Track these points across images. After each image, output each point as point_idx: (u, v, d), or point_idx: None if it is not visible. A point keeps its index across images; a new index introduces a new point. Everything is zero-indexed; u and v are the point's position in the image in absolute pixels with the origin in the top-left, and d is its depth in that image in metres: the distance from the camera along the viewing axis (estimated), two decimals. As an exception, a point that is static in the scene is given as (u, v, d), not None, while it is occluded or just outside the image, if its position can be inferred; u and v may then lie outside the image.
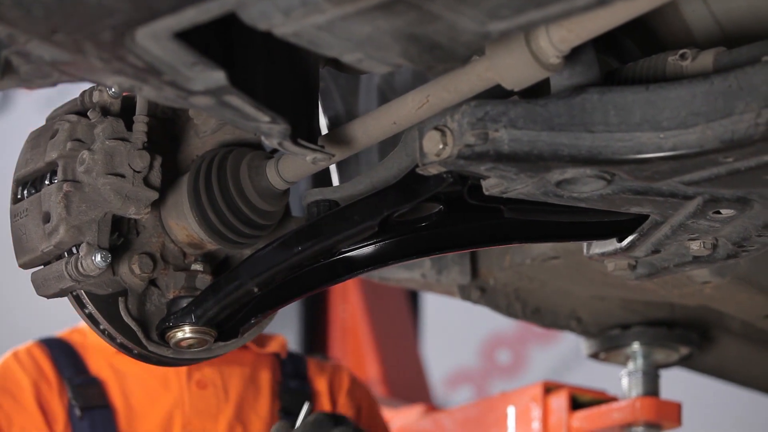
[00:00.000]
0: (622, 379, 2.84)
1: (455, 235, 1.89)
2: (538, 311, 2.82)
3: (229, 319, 1.95)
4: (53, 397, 2.60)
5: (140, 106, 1.93)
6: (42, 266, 1.92)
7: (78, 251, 1.86)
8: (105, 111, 1.92)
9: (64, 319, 2.60)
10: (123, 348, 2.01)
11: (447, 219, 1.86)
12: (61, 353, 2.68)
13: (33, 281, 1.93)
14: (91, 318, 1.98)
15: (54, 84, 1.49)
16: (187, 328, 1.94)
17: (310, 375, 2.86)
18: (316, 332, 4.27)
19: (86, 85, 1.94)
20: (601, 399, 2.86)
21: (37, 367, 2.64)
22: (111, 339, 2.00)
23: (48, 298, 1.95)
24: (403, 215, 1.86)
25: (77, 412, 2.56)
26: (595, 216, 1.81)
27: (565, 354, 5.55)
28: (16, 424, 2.55)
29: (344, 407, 2.75)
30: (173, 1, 1.29)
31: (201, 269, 2.01)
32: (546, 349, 5.75)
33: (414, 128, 1.67)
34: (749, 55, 1.54)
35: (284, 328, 3.83)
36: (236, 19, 1.32)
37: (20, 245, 1.91)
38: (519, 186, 1.63)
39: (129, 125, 1.92)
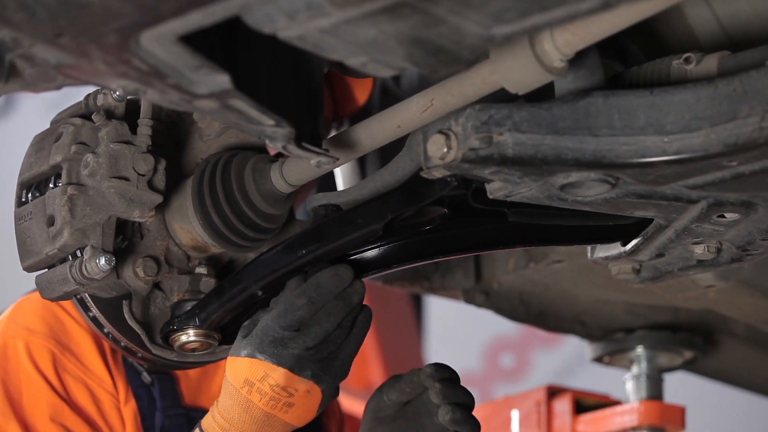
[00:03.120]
0: (626, 383, 2.84)
1: (459, 239, 1.88)
2: (542, 315, 2.82)
3: (234, 323, 1.95)
4: (110, 356, 2.16)
5: (144, 110, 1.93)
6: (46, 269, 1.92)
7: (82, 254, 1.86)
8: (109, 114, 1.92)
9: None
10: (127, 351, 2.01)
11: (451, 222, 1.86)
12: None
13: (37, 284, 1.93)
14: (95, 321, 1.98)
15: (59, 87, 1.49)
16: (191, 332, 1.94)
17: None
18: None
19: (90, 89, 1.94)
20: (605, 403, 2.86)
21: None
22: (115, 342, 2.00)
23: (52, 301, 1.95)
24: (408, 219, 1.86)
25: (145, 377, 2.17)
26: (600, 220, 1.81)
27: (569, 358, 5.54)
28: (81, 390, 2.12)
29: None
30: (178, 4, 1.29)
31: (205, 272, 2.01)
32: (550, 353, 5.74)
33: (418, 132, 1.67)
34: (753, 59, 1.54)
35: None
36: (240, 22, 1.32)
37: (24, 248, 1.91)
38: (523, 190, 1.63)
39: (133, 128, 1.92)
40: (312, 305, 1.85)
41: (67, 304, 2.16)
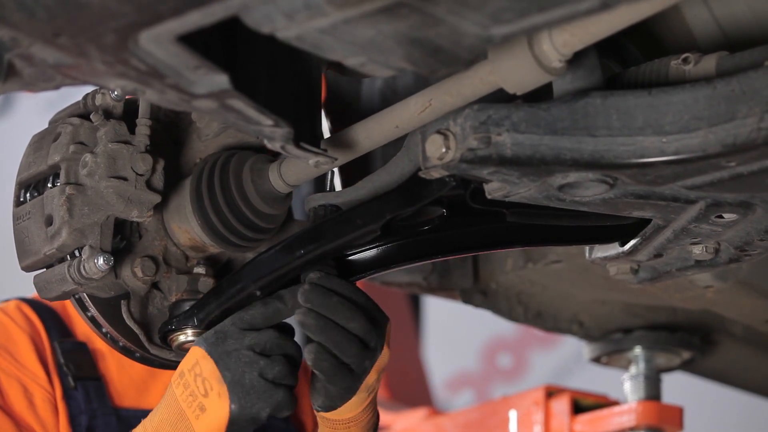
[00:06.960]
0: (624, 383, 2.84)
1: (458, 239, 1.88)
2: (540, 315, 2.82)
3: (232, 323, 1.95)
4: (49, 359, 2.19)
5: (143, 110, 1.93)
6: (45, 269, 1.92)
7: (80, 254, 1.86)
8: (108, 114, 1.92)
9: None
10: (125, 351, 2.01)
11: (449, 223, 1.86)
12: (46, 313, 2.24)
13: (35, 284, 1.93)
14: (93, 321, 1.98)
15: (57, 87, 1.49)
16: (189, 331, 1.94)
17: None
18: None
19: (89, 88, 1.94)
20: (603, 403, 2.87)
21: (29, 322, 2.22)
22: (113, 342, 2.00)
23: (50, 300, 1.95)
24: (406, 219, 1.86)
25: (70, 381, 2.17)
26: (598, 220, 1.81)
27: (567, 358, 5.55)
28: (13, 385, 2.14)
29: None
30: (176, 4, 1.29)
31: (203, 272, 2.01)
32: (547, 353, 5.75)
33: (417, 132, 1.67)
34: (752, 60, 1.54)
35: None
36: (239, 23, 1.32)
37: (23, 248, 1.91)
38: (521, 190, 1.63)
39: (132, 128, 1.92)
40: (266, 318, 1.87)
41: (8, 307, 2.21)
